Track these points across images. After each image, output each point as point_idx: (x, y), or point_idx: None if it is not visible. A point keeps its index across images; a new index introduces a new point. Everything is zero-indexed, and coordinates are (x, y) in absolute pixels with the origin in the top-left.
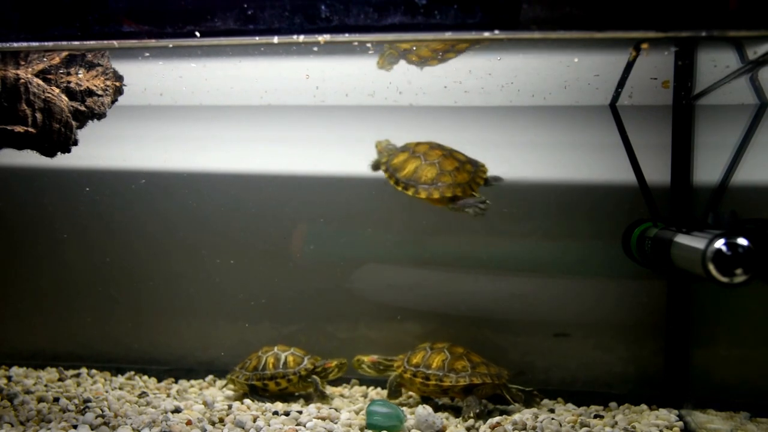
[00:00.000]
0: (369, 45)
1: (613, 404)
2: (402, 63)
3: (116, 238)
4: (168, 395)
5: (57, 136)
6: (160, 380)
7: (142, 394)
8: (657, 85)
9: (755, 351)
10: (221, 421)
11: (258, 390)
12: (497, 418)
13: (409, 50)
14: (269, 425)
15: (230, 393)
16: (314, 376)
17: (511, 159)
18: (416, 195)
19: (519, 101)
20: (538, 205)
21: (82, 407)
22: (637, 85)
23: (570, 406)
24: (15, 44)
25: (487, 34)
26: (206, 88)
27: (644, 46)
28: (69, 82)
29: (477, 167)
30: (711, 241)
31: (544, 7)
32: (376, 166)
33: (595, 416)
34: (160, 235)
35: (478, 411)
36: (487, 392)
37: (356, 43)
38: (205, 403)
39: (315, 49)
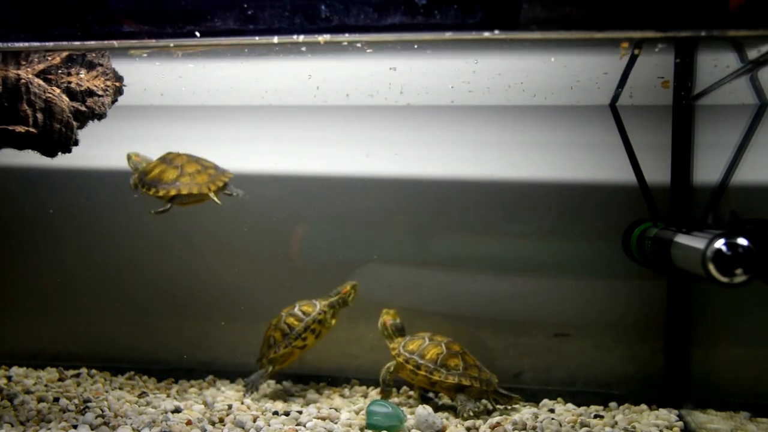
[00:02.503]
0: (359, 44)
1: (613, 404)
2: (403, 63)
3: (116, 238)
4: (168, 395)
5: (58, 136)
6: (160, 380)
7: (142, 394)
8: (657, 85)
9: (755, 351)
10: (221, 421)
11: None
12: (497, 418)
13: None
14: (269, 425)
15: (230, 393)
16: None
17: (511, 159)
18: (156, 194)
19: (519, 101)
20: (538, 205)
21: (82, 407)
22: (637, 85)
23: (570, 406)
24: (15, 44)
25: (487, 34)
26: (206, 88)
27: (624, 45)
28: (69, 83)
29: (220, 172)
30: (711, 241)
31: (544, 7)
32: (134, 185)
33: (595, 416)
34: (160, 234)
35: (473, 407)
36: (473, 395)
37: (349, 43)
38: (205, 403)
39: (303, 49)
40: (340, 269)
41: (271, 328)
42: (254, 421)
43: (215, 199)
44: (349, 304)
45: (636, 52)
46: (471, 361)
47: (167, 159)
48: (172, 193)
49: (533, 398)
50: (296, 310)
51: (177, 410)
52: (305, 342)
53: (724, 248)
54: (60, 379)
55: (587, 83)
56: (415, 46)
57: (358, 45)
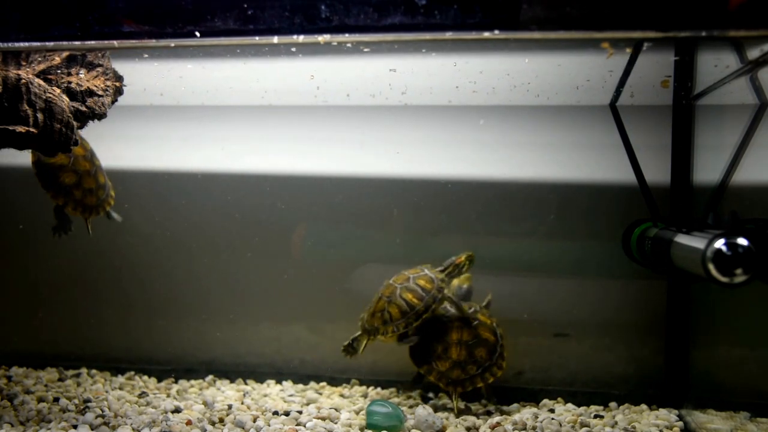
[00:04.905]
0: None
1: (613, 404)
2: (405, 63)
3: (116, 238)
4: (168, 395)
5: (58, 137)
6: (160, 380)
7: (142, 394)
8: (657, 85)
9: (755, 351)
10: (221, 421)
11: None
12: (497, 418)
13: None
14: (269, 425)
15: (230, 393)
16: (449, 295)
17: (511, 159)
18: (42, 187)
19: (520, 101)
20: (538, 205)
21: (82, 407)
22: (638, 85)
23: (570, 406)
24: (15, 44)
25: (487, 34)
26: (206, 88)
27: (604, 45)
28: (70, 83)
29: (106, 196)
30: (711, 241)
31: (544, 7)
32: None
33: (595, 416)
34: (159, 235)
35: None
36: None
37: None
38: (205, 403)
39: (293, 49)
40: (340, 269)
41: (383, 300)
42: (254, 421)
43: (88, 229)
44: (463, 273)
45: (627, 50)
46: (457, 356)
47: (71, 153)
48: (59, 202)
49: (533, 398)
50: (411, 283)
51: (177, 410)
52: (424, 321)
53: (724, 248)
54: (60, 379)
55: (593, 83)
56: (423, 51)
57: (349, 45)
